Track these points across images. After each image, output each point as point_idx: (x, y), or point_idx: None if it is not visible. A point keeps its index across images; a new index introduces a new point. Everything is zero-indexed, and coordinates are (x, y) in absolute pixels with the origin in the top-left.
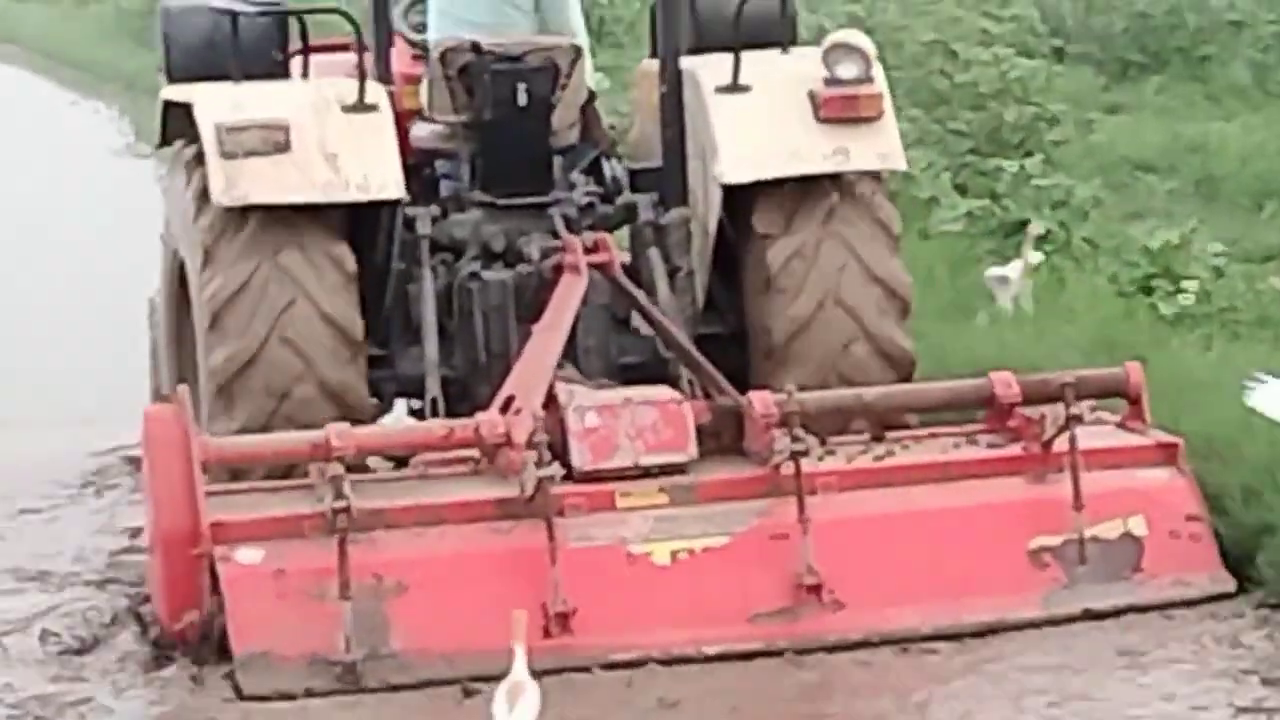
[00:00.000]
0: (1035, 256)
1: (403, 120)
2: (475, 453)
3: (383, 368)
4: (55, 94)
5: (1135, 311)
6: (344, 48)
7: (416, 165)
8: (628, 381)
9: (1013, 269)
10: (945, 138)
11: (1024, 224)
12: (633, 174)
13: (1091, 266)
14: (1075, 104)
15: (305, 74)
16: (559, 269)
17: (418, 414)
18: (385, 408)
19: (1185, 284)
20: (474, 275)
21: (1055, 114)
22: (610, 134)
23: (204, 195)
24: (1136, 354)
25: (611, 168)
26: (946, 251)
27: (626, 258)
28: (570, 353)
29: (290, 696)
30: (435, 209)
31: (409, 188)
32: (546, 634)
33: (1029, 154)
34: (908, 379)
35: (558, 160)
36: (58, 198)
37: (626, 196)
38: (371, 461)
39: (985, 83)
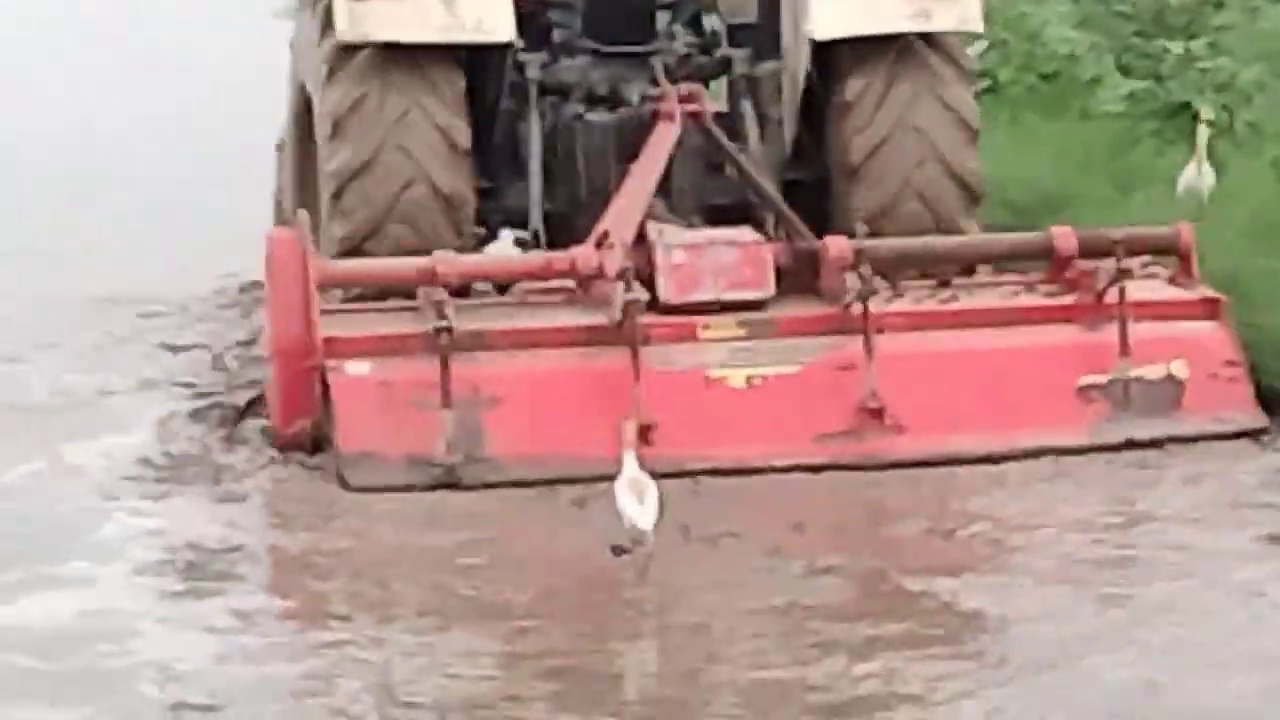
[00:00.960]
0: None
1: None
2: (571, 283)
3: (490, 199)
4: None
5: None
6: None
7: (530, 14)
8: (715, 222)
9: (1205, 172)
10: (1109, 20)
11: (1186, 105)
12: (730, 29)
13: (1254, 151)
14: None
15: None
16: (656, 115)
17: (521, 243)
18: (491, 236)
19: None
20: (578, 117)
21: None
22: None
23: (330, 27)
24: None
25: (711, 22)
26: (1106, 132)
27: (723, 106)
28: (664, 193)
29: (393, 489)
30: (545, 54)
31: (521, 34)
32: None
33: (1193, 37)
34: (976, 200)
35: (661, 13)
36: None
37: (724, 49)
38: (477, 287)
39: None
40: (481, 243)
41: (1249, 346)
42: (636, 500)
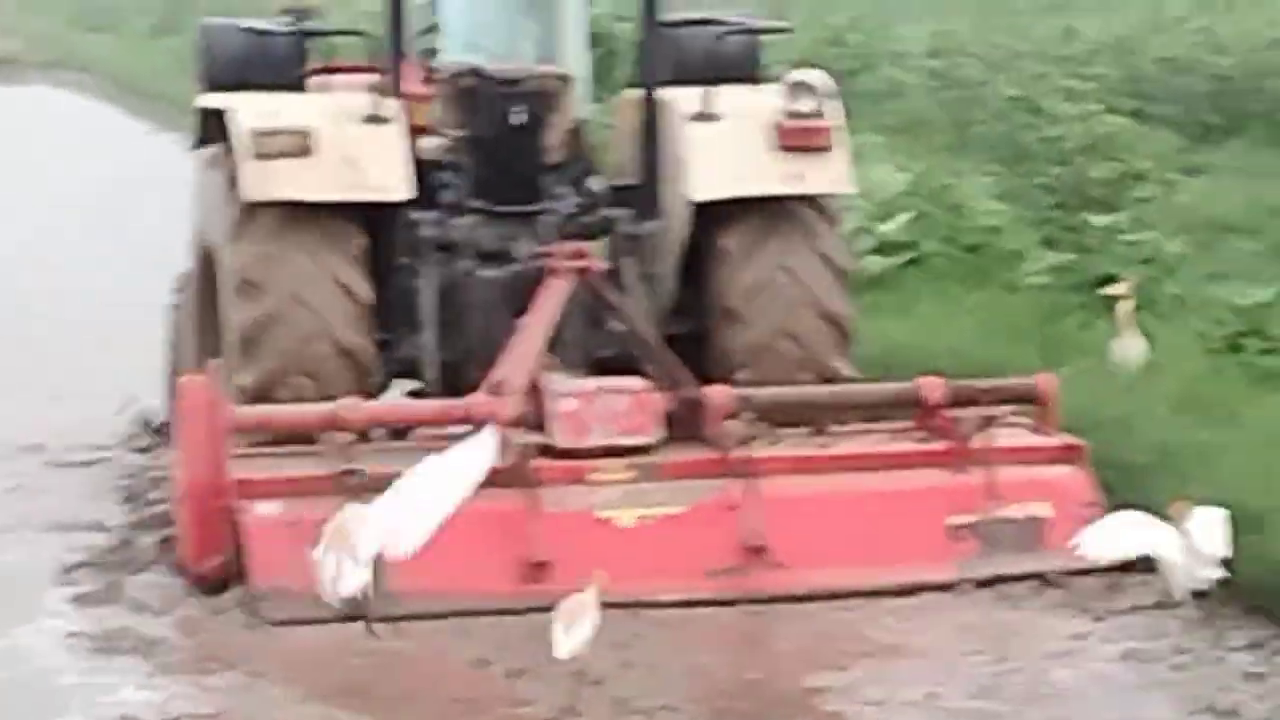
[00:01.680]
0: (1125, 307)
1: (411, 135)
2: (467, 428)
3: (389, 351)
4: (129, 125)
5: (1224, 369)
6: (357, 69)
7: (422, 174)
8: (601, 374)
9: (1134, 344)
10: (1030, 192)
11: (1112, 278)
12: (613, 190)
13: (1178, 323)
14: (1157, 163)
15: (326, 89)
16: (545, 271)
17: (414, 394)
18: (385, 387)
19: (1276, 344)
20: (470, 273)
21: (1141, 171)
22: (595, 154)
23: (236, 187)
24: (1227, 411)
25: (594, 184)
26: (1033, 304)
27: (606, 264)
28: (552, 347)
29: (303, 622)
30: (437, 213)
31: (418, 194)
32: (523, 581)
33: (1114, 210)
34: (847, 340)
35: (547, 175)
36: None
37: (607, 210)
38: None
39: (1072, 139)
40: (379, 391)
41: None
42: (564, 627)
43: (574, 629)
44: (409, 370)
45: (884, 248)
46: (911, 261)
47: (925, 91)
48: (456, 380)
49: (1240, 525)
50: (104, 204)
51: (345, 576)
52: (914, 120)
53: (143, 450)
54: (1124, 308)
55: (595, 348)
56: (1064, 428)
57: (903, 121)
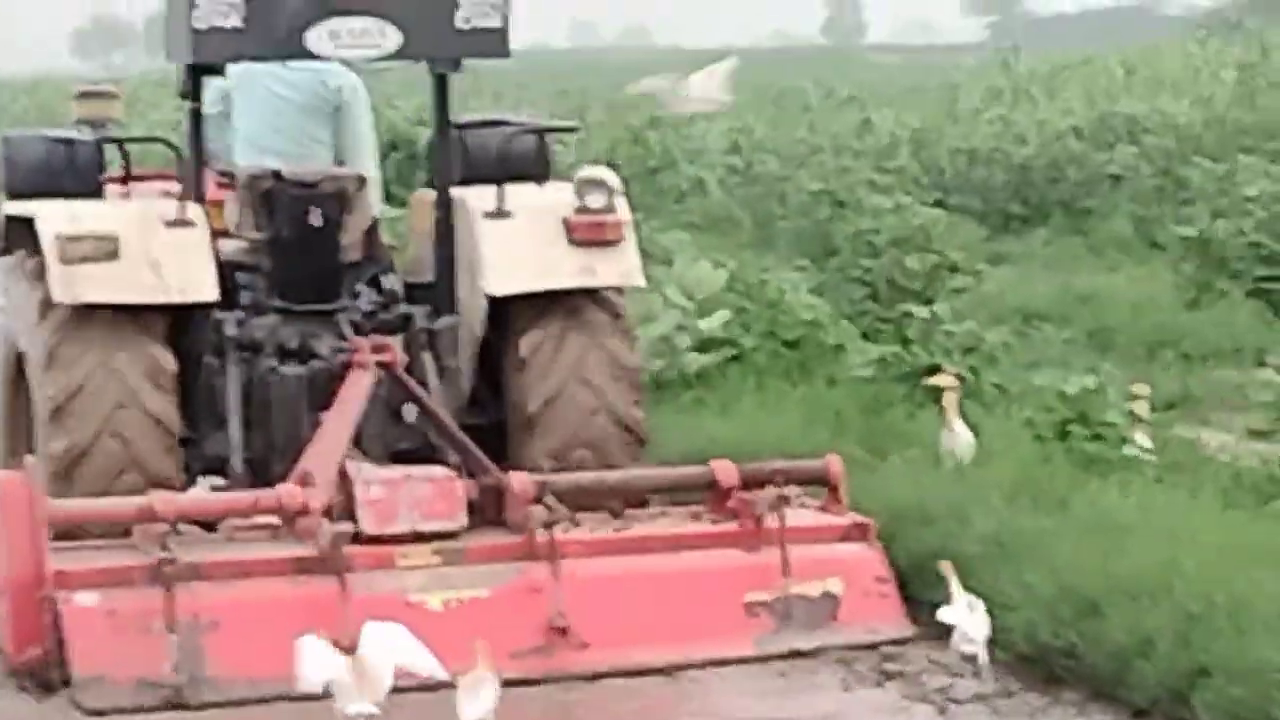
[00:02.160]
0: (950, 398)
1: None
2: (275, 519)
3: (191, 448)
4: None
5: (1052, 456)
6: (153, 177)
7: (223, 276)
8: (403, 464)
9: (960, 433)
10: (846, 285)
11: (935, 369)
12: (409, 287)
13: (1002, 412)
14: (966, 253)
15: (127, 195)
16: (348, 365)
17: (218, 489)
18: (190, 483)
19: (1103, 430)
20: (272, 370)
21: (954, 262)
22: (390, 253)
23: (47, 301)
24: (1057, 498)
25: (390, 281)
26: (856, 397)
27: (405, 358)
28: (354, 439)
29: (123, 711)
30: (239, 313)
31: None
32: None
33: (929, 301)
34: (642, 444)
35: (346, 274)
36: None
37: (403, 306)
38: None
39: (885, 230)
40: (184, 487)
41: (1019, 608)
42: (467, 700)
43: (477, 701)
44: (215, 466)
45: (704, 344)
46: (733, 359)
47: (726, 188)
48: (262, 474)
49: (1078, 611)
50: None
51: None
52: (718, 217)
53: None
54: (950, 398)
55: (395, 439)
56: (892, 519)
57: (706, 219)
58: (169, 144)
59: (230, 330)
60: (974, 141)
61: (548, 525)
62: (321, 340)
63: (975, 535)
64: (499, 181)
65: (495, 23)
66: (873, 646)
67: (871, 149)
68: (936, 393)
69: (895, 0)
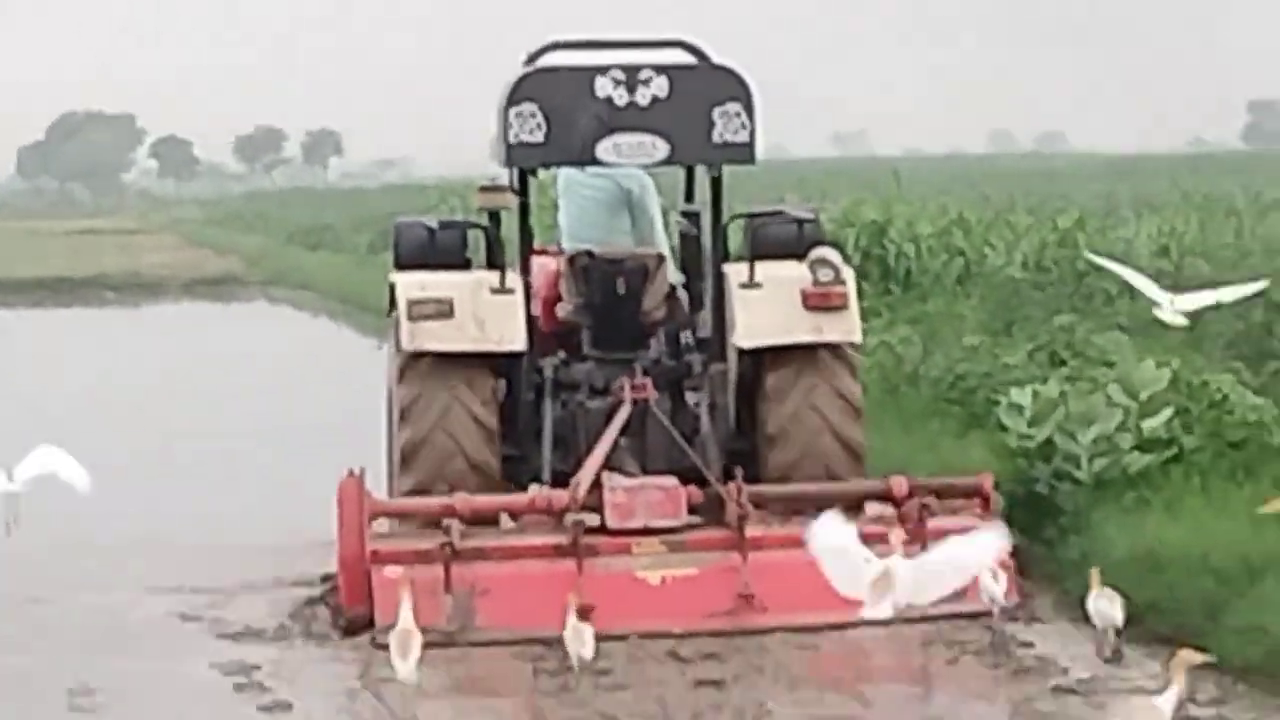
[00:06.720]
0: None
1: (549, 304)
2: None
3: (518, 464)
4: (357, 340)
5: None
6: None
7: (556, 332)
8: (678, 475)
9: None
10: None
11: None
12: (696, 340)
13: None
14: None
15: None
16: (613, 400)
17: None
18: (523, 490)
19: None
20: (580, 404)
21: None
22: (686, 314)
23: (399, 340)
24: None
25: (685, 336)
26: None
27: (655, 394)
28: (640, 455)
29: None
30: (557, 359)
31: (550, 345)
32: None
33: None
34: (860, 460)
35: (648, 330)
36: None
37: (688, 356)
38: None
39: None
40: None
41: None
42: (401, 654)
43: (409, 654)
44: (537, 477)
45: (1147, 444)
46: (1174, 459)
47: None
48: (567, 483)
49: None
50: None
51: None
52: (1146, 319)
53: None
54: None
55: (675, 459)
56: None
57: (1135, 320)
58: (487, 231)
59: (549, 372)
60: None
61: (741, 521)
62: (622, 382)
63: None
64: (781, 257)
65: (744, 138)
66: (988, 614)
67: None
68: None
69: None
